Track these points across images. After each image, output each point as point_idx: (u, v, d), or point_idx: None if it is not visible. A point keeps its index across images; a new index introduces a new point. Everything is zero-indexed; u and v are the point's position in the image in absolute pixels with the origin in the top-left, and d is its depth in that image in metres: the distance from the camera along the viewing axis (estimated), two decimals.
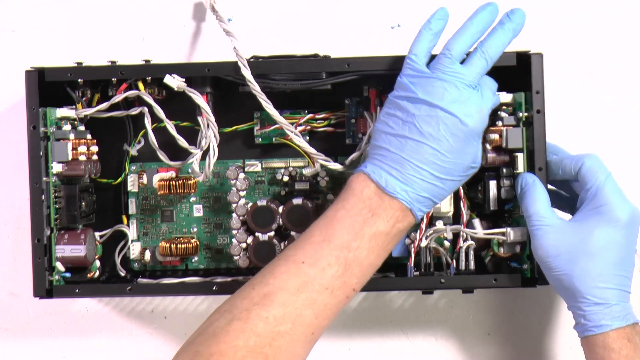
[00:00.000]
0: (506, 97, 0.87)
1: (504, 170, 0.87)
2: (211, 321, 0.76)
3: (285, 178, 0.93)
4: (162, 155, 0.89)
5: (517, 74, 0.85)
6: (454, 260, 0.88)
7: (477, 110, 0.79)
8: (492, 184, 0.88)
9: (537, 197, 0.82)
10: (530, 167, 0.84)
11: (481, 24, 0.82)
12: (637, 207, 0.82)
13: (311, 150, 0.87)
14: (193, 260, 0.95)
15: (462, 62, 0.81)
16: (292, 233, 0.89)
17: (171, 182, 0.92)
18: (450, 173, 0.79)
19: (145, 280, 0.91)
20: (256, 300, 0.75)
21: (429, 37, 0.81)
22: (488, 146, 0.87)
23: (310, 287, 0.76)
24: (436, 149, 0.78)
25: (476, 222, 0.88)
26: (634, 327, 0.80)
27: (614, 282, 0.80)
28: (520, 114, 0.85)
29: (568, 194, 0.89)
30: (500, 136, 0.86)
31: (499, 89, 0.87)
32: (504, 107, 0.87)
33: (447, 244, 0.90)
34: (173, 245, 0.93)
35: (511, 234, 0.85)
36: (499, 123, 0.86)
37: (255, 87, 0.85)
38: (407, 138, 0.79)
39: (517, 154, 0.85)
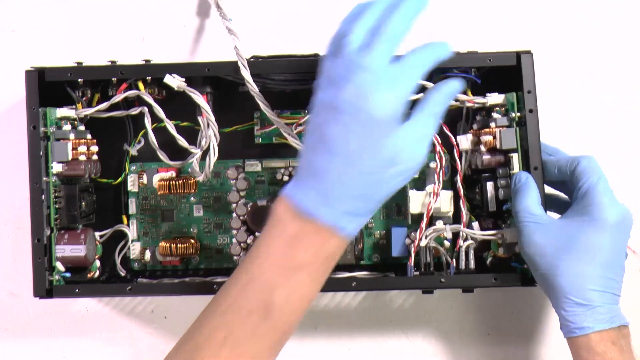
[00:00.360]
0: (498, 98, 0.87)
1: (500, 171, 0.87)
2: None
3: (286, 178, 0.93)
4: (162, 155, 0.89)
5: (516, 73, 0.85)
6: (454, 260, 0.88)
7: (385, 103, 0.69)
8: (489, 185, 0.88)
9: (527, 194, 0.82)
10: (526, 166, 0.85)
11: (377, 8, 0.73)
12: (628, 210, 0.81)
13: None
14: (193, 260, 0.95)
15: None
16: None
17: (171, 182, 0.92)
18: (366, 174, 0.70)
19: (145, 280, 0.91)
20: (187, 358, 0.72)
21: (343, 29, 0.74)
22: (483, 148, 0.87)
23: (235, 338, 0.71)
24: (347, 155, 0.70)
25: (475, 224, 0.88)
26: (619, 330, 0.79)
27: (599, 283, 0.79)
28: (513, 114, 0.86)
29: (567, 196, 0.89)
30: (494, 137, 0.86)
31: (497, 89, 0.87)
32: (497, 109, 0.87)
33: (447, 243, 0.90)
34: (173, 245, 0.93)
35: (507, 234, 0.85)
36: (492, 124, 0.86)
37: (253, 89, 0.85)
38: (319, 149, 0.71)
39: (512, 154, 0.85)
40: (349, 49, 0.71)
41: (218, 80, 0.88)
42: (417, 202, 0.89)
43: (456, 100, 0.88)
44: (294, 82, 0.88)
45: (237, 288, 0.72)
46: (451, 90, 0.75)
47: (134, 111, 0.90)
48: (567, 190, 0.88)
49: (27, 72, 0.87)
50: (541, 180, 0.84)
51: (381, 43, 0.70)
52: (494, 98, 0.87)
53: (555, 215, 0.85)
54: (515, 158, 0.85)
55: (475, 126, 0.90)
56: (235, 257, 0.90)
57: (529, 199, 0.82)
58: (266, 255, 0.72)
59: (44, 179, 0.86)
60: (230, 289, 0.73)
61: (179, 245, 0.93)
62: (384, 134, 0.70)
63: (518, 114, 0.85)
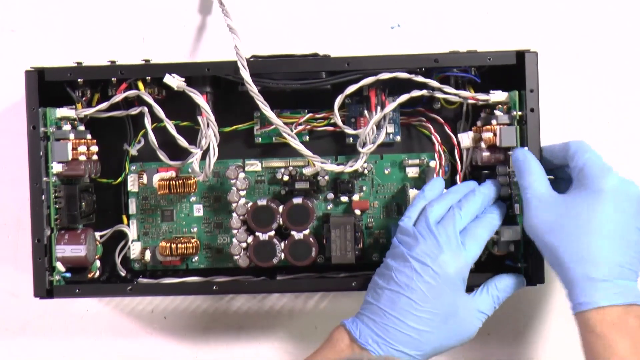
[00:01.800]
0: (501, 96, 0.87)
1: (499, 168, 0.87)
2: None
3: (285, 177, 0.93)
4: (162, 155, 0.89)
5: (515, 72, 0.86)
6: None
7: (451, 259, 0.80)
8: None
9: (529, 171, 0.82)
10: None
11: (459, 193, 0.85)
12: (630, 181, 0.80)
13: (307, 152, 0.87)
14: (193, 260, 0.95)
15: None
16: (292, 232, 0.89)
17: (171, 182, 0.92)
18: (426, 324, 0.80)
19: (145, 280, 0.91)
20: None
21: (422, 203, 0.85)
22: (483, 145, 0.87)
23: None
24: (410, 297, 0.80)
25: None
26: (630, 307, 0.76)
27: (608, 257, 0.77)
28: (515, 113, 0.86)
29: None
30: (495, 135, 0.86)
31: (495, 88, 0.87)
32: (499, 106, 0.87)
33: None
34: (173, 245, 0.93)
35: (504, 232, 0.85)
36: (494, 121, 0.86)
37: (252, 89, 0.85)
38: (385, 289, 0.81)
39: (511, 152, 0.85)
40: (430, 220, 0.82)
41: (218, 80, 0.88)
42: None
43: (460, 97, 0.88)
44: (293, 81, 0.88)
45: None
46: (519, 282, 0.86)
47: (134, 111, 0.90)
48: (567, 175, 0.87)
49: (27, 72, 0.87)
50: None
51: (455, 221, 0.82)
52: (497, 95, 0.87)
53: None
54: None
55: (478, 123, 0.90)
56: (235, 257, 0.90)
57: (533, 174, 0.82)
58: None
59: (44, 179, 0.86)
60: None
61: (179, 245, 0.93)
62: (449, 290, 0.80)
63: (519, 113, 0.85)
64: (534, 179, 0.82)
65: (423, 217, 0.83)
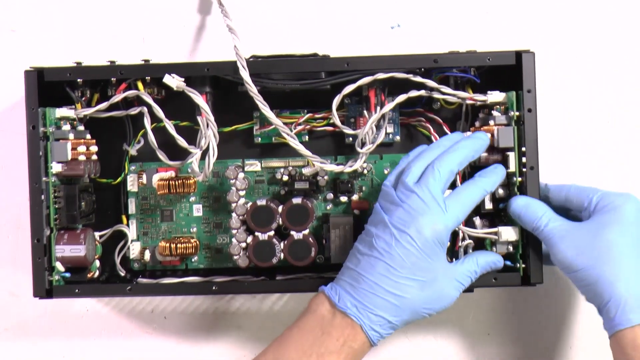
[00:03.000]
0: (499, 97, 0.87)
1: None
2: None
3: (285, 177, 0.93)
4: (161, 155, 0.89)
5: (514, 73, 0.85)
6: (453, 259, 0.88)
7: (430, 226, 0.79)
8: None
9: (537, 213, 0.83)
10: (522, 166, 0.84)
11: (440, 147, 0.84)
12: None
13: (307, 152, 0.87)
14: (193, 260, 0.95)
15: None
16: (292, 232, 0.89)
17: (171, 182, 0.92)
18: (404, 290, 0.79)
19: (145, 280, 0.91)
20: None
21: (404, 165, 0.84)
22: None
23: None
24: (389, 263, 0.79)
25: (476, 220, 0.88)
26: None
27: (637, 276, 0.78)
28: (512, 113, 0.86)
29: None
30: (492, 135, 0.86)
31: (496, 88, 0.87)
32: (497, 107, 0.87)
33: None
34: (173, 245, 0.93)
35: (503, 233, 0.85)
36: (491, 122, 0.86)
37: (252, 89, 0.85)
38: (365, 255, 0.81)
39: (509, 152, 0.85)
40: (407, 182, 0.81)
41: (217, 80, 0.88)
42: None
43: (458, 98, 0.88)
44: (293, 82, 0.88)
45: None
46: (497, 263, 0.85)
47: (133, 111, 0.90)
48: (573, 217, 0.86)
49: (27, 72, 0.87)
50: (537, 180, 0.84)
51: (434, 179, 0.80)
52: (495, 96, 0.87)
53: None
54: (512, 157, 0.85)
55: (477, 123, 0.90)
56: (235, 257, 0.90)
57: (541, 215, 0.82)
58: (297, 338, 0.80)
59: (44, 179, 0.86)
60: None
61: (178, 245, 0.93)
62: (426, 255, 0.79)
63: (517, 113, 0.85)
64: (545, 218, 0.82)
65: (401, 178, 0.82)
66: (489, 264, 0.84)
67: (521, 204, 0.83)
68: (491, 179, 0.84)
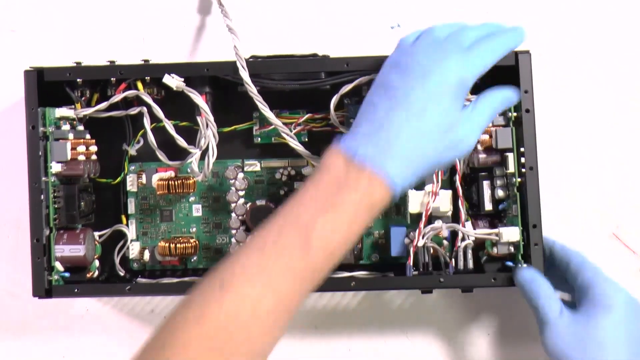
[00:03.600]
0: None
1: (497, 170, 0.87)
2: (171, 315, 0.71)
3: (284, 178, 0.93)
4: (161, 155, 0.89)
5: (512, 73, 0.86)
6: (453, 260, 0.88)
7: (454, 71, 0.75)
8: (486, 184, 0.88)
9: (540, 293, 0.82)
10: (521, 166, 0.84)
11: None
12: (631, 296, 0.82)
13: (306, 153, 0.87)
14: (192, 260, 0.95)
15: None
16: None
17: (170, 182, 0.92)
18: (425, 137, 0.74)
19: (144, 280, 0.91)
20: (215, 289, 0.70)
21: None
22: (479, 147, 0.87)
23: (269, 272, 0.70)
24: (408, 110, 0.74)
25: (467, 223, 0.88)
26: None
27: None
28: (510, 114, 0.86)
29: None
30: (491, 136, 0.86)
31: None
32: None
33: (445, 243, 0.90)
34: (172, 245, 0.93)
35: (503, 234, 0.85)
36: (490, 123, 0.86)
37: (252, 90, 0.85)
38: (382, 104, 0.75)
39: (508, 153, 0.85)
40: (434, 34, 0.77)
41: (217, 80, 0.88)
42: (416, 201, 0.89)
43: None
44: (293, 82, 0.88)
45: (277, 227, 0.72)
46: (510, 96, 0.80)
47: (133, 111, 0.90)
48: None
49: (26, 72, 0.87)
50: (537, 181, 0.84)
51: (462, 35, 0.77)
52: None
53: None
54: (511, 158, 0.85)
55: None
56: None
57: (543, 297, 0.82)
58: (312, 195, 0.73)
59: (43, 179, 0.86)
60: (269, 229, 0.72)
61: (178, 245, 0.93)
62: (449, 100, 0.74)
63: (515, 114, 0.85)
64: (545, 301, 0.82)
65: (427, 30, 0.78)
66: (503, 103, 0.80)
67: (527, 278, 0.83)
68: (509, 36, 0.79)
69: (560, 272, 0.85)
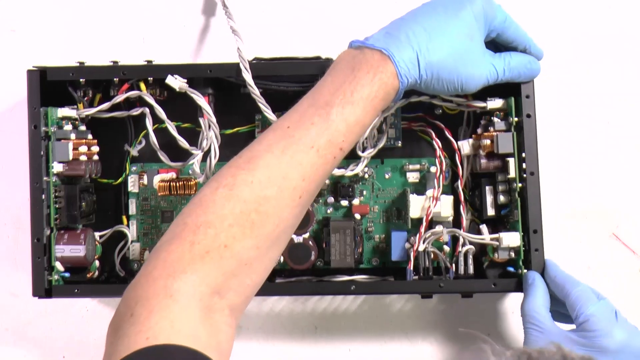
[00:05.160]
0: (498, 103, 0.87)
1: (499, 176, 0.87)
2: (200, 192, 0.74)
3: None
4: (162, 156, 0.89)
5: None
6: (453, 265, 0.88)
7: (474, 2, 0.80)
8: (488, 190, 0.88)
9: (533, 297, 0.82)
10: (522, 171, 0.84)
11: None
12: (632, 331, 0.80)
13: None
14: None
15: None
16: (292, 235, 0.89)
17: (172, 183, 0.92)
18: (439, 29, 0.78)
19: None
20: (241, 166, 0.73)
21: None
22: (481, 152, 0.87)
23: (295, 148, 0.73)
24: (428, 11, 0.79)
25: (483, 227, 0.88)
26: None
27: None
28: (511, 119, 0.85)
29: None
30: (492, 142, 0.86)
31: (498, 93, 0.87)
32: (497, 113, 0.87)
33: (446, 248, 0.89)
34: None
35: (504, 239, 0.85)
36: (491, 128, 0.86)
37: (254, 91, 0.85)
38: (404, 17, 0.80)
39: (509, 158, 0.85)
40: None
41: (220, 81, 0.88)
42: (417, 206, 0.89)
43: (457, 104, 0.88)
44: (295, 84, 0.88)
45: (298, 111, 0.76)
46: (531, 60, 0.84)
47: (135, 112, 0.90)
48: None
49: (29, 72, 0.87)
50: (538, 186, 0.84)
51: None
52: (494, 102, 0.87)
53: (562, 326, 0.83)
54: (512, 163, 0.85)
55: (479, 130, 0.90)
56: None
57: (534, 302, 0.82)
58: (330, 80, 0.77)
59: (45, 178, 0.87)
60: (291, 114, 0.76)
61: None
62: (469, 26, 0.79)
63: (516, 119, 0.85)
64: (537, 309, 0.81)
65: None
66: (523, 66, 0.83)
67: (529, 281, 0.83)
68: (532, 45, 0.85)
69: (558, 295, 0.84)
